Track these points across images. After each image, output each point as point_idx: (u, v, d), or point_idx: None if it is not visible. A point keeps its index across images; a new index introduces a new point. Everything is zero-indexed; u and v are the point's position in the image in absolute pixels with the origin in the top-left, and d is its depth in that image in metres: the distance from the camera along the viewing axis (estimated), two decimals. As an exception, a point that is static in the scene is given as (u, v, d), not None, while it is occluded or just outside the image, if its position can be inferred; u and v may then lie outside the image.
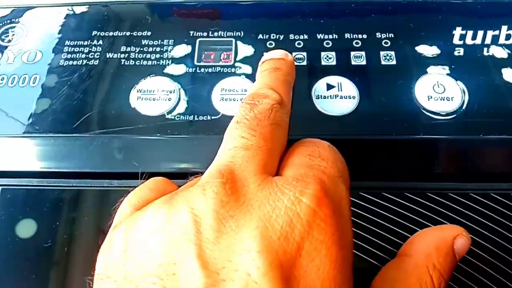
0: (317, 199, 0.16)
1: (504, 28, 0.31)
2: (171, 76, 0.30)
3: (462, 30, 0.31)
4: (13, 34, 0.32)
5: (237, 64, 0.30)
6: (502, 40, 0.31)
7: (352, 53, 0.30)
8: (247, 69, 0.30)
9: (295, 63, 0.30)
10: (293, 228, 0.15)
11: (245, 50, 0.31)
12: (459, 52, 0.30)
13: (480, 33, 0.31)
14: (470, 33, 0.31)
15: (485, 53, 0.30)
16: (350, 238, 0.17)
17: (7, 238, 0.25)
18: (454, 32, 0.31)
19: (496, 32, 0.31)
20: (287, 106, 0.22)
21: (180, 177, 0.27)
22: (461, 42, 0.31)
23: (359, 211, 0.26)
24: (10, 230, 0.25)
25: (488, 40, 0.31)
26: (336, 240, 0.16)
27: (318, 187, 0.17)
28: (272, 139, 0.19)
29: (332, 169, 0.18)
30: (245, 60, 0.30)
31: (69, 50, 0.31)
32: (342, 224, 0.16)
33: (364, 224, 0.26)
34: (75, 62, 0.30)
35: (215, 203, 0.16)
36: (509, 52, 0.30)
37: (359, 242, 0.25)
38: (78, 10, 0.33)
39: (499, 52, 0.30)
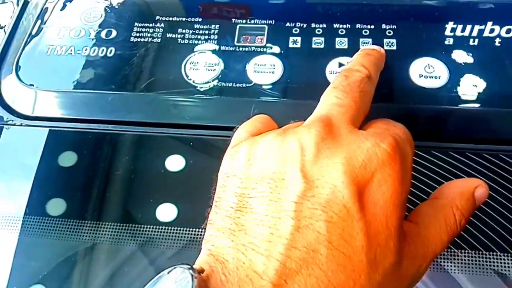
0: (392, 147, 0.22)
1: (489, 23, 0.38)
2: (216, 53, 0.38)
3: (453, 24, 0.38)
4: (94, 16, 0.41)
5: (268, 45, 0.38)
6: (486, 33, 0.38)
7: (361, 39, 0.38)
8: (276, 49, 0.38)
9: (314, 46, 0.38)
10: (371, 162, 0.21)
11: (275, 34, 0.39)
12: (449, 42, 0.37)
13: (469, 27, 0.38)
14: (460, 27, 0.38)
15: (471, 43, 0.37)
16: (408, 181, 0.23)
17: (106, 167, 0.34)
18: (446, 25, 0.38)
19: (482, 27, 0.38)
20: (374, 81, 0.28)
21: (220, 129, 0.35)
22: (452, 34, 0.38)
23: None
24: (106, 163, 0.34)
25: (474, 33, 0.38)
26: (400, 178, 0.21)
27: (393, 140, 0.22)
28: (359, 102, 0.25)
29: (402, 135, 0.24)
30: (274, 42, 0.38)
31: (138, 30, 0.39)
32: (405, 170, 0.22)
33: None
34: (142, 40, 0.39)
35: (316, 138, 0.22)
36: (490, 45, 0.37)
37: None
38: None
39: (485, 43, 0.37)
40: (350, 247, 0.19)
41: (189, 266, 0.19)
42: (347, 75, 0.27)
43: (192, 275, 0.18)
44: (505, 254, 0.30)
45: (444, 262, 0.30)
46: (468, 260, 0.30)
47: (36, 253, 0.32)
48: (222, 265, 0.20)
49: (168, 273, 0.19)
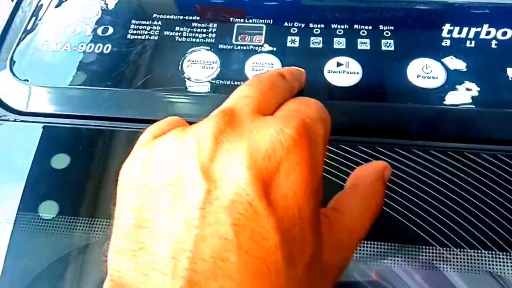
0: (297, 131, 0.20)
1: (485, 26, 0.38)
2: (214, 51, 0.38)
3: (450, 26, 0.38)
4: (90, 13, 0.41)
5: (266, 44, 0.38)
6: (483, 35, 0.38)
7: (359, 40, 0.38)
8: (274, 48, 0.38)
9: (313, 46, 0.38)
10: (275, 151, 0.19)
11: (273, 34, 0.39)
12: (446, 43, 0.37)
13: (465, 29, 0.38)
14: (456, 29, 0.38)
15: (467, 44, 0.37)
16: (320, 165, 0.21)
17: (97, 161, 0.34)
18: (443, 27, 0.38)
19: (479, 29, 0.38)
20: (289, 80, 0.26)
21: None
22: (449, 35, 0.38)
23: (359, 160, 0.33)
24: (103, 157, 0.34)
25: (471, 35, 0.38)
26: (308, 164, 0.20)
27: (299, 123, 0.20)
28: (269, 92, 0.24)
29: (314, 114, 0.22)
30: (272, 42, 0.38)
31: (135, 27, 0.39)
32: (315, 154, 0.20)
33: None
34: (139, 37, 0.39)
35: (214, 131, 0.20)
36: (487, 46, 0.37)
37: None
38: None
39: (481, 45, 0.37)
40: (262, 248, 0.18)
41: None
42: (258, 75, 0.26)
43: None
44: (490, 252, 0.30)
45: (438, 262, 0.30)
46: (457, 259, 0.30)
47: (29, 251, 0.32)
48: None
49: None
